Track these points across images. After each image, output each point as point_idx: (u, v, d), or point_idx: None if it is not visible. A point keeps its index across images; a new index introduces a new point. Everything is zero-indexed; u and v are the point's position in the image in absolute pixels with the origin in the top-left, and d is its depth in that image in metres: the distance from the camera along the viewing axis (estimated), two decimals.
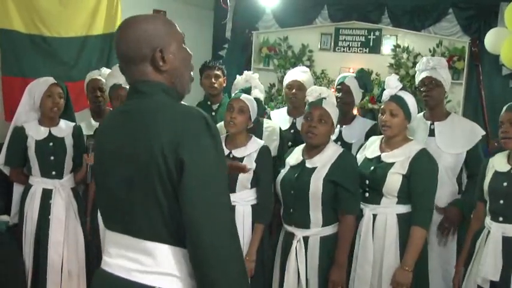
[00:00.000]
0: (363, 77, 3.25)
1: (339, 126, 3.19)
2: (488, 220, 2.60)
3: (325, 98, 2.69)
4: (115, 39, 1.58)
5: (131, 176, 1.48)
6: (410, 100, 2.66)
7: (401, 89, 2.68)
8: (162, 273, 1.49)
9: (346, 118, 3.25)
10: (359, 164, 2.76)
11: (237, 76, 3.26)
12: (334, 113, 2.70)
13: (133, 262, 1.50)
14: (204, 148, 1.44)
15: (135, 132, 1.49)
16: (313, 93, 2.74)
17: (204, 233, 1.41)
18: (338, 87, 3.24)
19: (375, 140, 2.80)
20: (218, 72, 3.66)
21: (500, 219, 2.52)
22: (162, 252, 1.49)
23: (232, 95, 3.05)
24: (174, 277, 1.49)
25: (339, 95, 3.20)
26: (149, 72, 1.54)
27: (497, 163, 2.63)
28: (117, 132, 1.54)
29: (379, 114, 2.73)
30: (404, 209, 2.60)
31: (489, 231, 2.57)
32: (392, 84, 2.69)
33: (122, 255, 1.53)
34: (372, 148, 2.76)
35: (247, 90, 2.89)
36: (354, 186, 2.63)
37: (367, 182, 2.67)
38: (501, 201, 2.52)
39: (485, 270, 2.49)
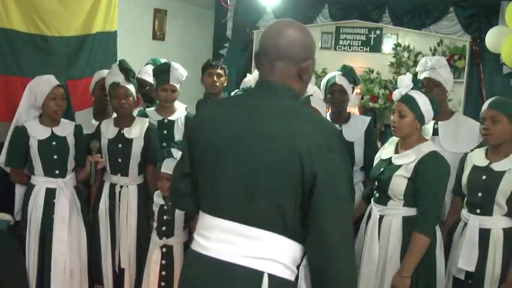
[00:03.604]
0: (349, 71, 3.25)
1: (338, 126, 3.18)
2: (465, 212, 2.66)
3: (311, 95, 2.70)
4: (271, 31, 1.63)
5: (260, 166, 1.54)
6: (422, 101, 2.56)
7: (413, 89, 2.59)
8: (272, 260, 1.57)
9: (342, 117, 3.23)
10: (374, 165, 2.73)
11: (247, 75, 3.27)
12: (322, 108, 2.74)
13: (241, 248, 1.57)
14: (336, 162, 1.55)
15: (268, 129, 1.55)
16: None
17: (332, 242, 1.52)
18: (331, 89, 3.21)
19: (393, 141, 2.73)
20: (220, 72, 3.66)
21: (478, 211, 2.58)
22: (274, 241, 1.56)
23: (232, 93, 3.05)
24: (282, 265, 1.58)
25: (333, 96, 3.20)
26: (291, 75, 1.63)
27: (476, 158, 2.67)
28: (240, 124, 1.59)
29: (391, 114, 2.68)
30: (411, 212, 2.54)
31: (465, 223, 2.63)
32: (404, 84, 2.60)
33: (226, 240, 1.58)
34: (388, 149, 2.71)
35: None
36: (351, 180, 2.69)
37: (376, 183, 2.64)
38: (479, 194, 2.57)
39: (461, 261, 2.56)
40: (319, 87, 3.42)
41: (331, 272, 1.55)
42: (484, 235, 2.55)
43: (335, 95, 3.19)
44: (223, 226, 1.60)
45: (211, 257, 1.60)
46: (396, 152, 2.65)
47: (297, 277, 1.65)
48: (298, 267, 1.64)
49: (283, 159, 1.52)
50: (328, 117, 3.28)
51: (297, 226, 1.58)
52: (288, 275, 1.60)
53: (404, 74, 5.52)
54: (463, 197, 2.70)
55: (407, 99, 2.57)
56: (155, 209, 3.00)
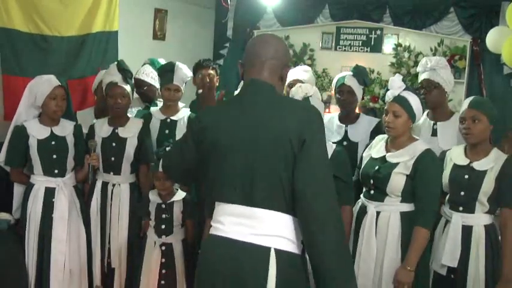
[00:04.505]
0: (360, 72, 3.24)
1: (344, 126, 3.20)
2: (447, 210, 2.72)
3: (311, 96, 2.70)
4: (259, 39, 1.96)
5: (257, 153, 1.78)
6: (414, 100, 2.64)
7: (405, 89, 2.66)
8: (277, 236, 1.78)
9: (350, 117, 3.24)
10: (364, 164, 2.76)
11: None
12: (320, 108, 2.72)
13: (249, 227, 1.79)
14: (319, 133, 1.82)
15: (258, 121, 1.80)
16: (298, 93, 2.73)
17: (315, 199, 1.73)
18: (339, 89, 3.22)
19: (381, 140, 2.79)
20: (212, 72, 3.67)
21: (461, 208, 2.65)
22: (277, 219, 1.79)
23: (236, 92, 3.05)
24: (286, 239, 1.79)
25: (342, 96, 3.20)
26: (276, 76, 1.90)
27: (455, 156, 2.73)
28: (236, 121, 1.84)
29: (383, 115, 2.72)
30: (408, 207, 2.60)
31: (447, 220, 2.70)
32: (396, 85, 2.67)
33: (237, 222, 1.81)
34: (377, 147, 2.75)
35: None
36: (349, 178, 2.69)
37: (372, 181, 2.66)
38: (462, 193, 2.64)
39: (444, 257, 2.62)
40: (319, 88, 3.41)
41: (316, 236, 1.74)
42: (467, 232, 2.62)
43: (343, 96, 3.20)
44: (234, 210, 1.82)
45: (227, 237, 1.82)
46: (387, 150, 2.69)
47: (303, 251, 1.84)
48: (303, 242, 1.83)
49: (274, 143, 1.76)
50: (330, 118, 3.30)
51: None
52: (293, 248, 1.81)
53: (405, 74, 5.57)
54: (443, 194, 2.74)
55: (400, 100, 2.63)
56: (152, 208, 3.00)
